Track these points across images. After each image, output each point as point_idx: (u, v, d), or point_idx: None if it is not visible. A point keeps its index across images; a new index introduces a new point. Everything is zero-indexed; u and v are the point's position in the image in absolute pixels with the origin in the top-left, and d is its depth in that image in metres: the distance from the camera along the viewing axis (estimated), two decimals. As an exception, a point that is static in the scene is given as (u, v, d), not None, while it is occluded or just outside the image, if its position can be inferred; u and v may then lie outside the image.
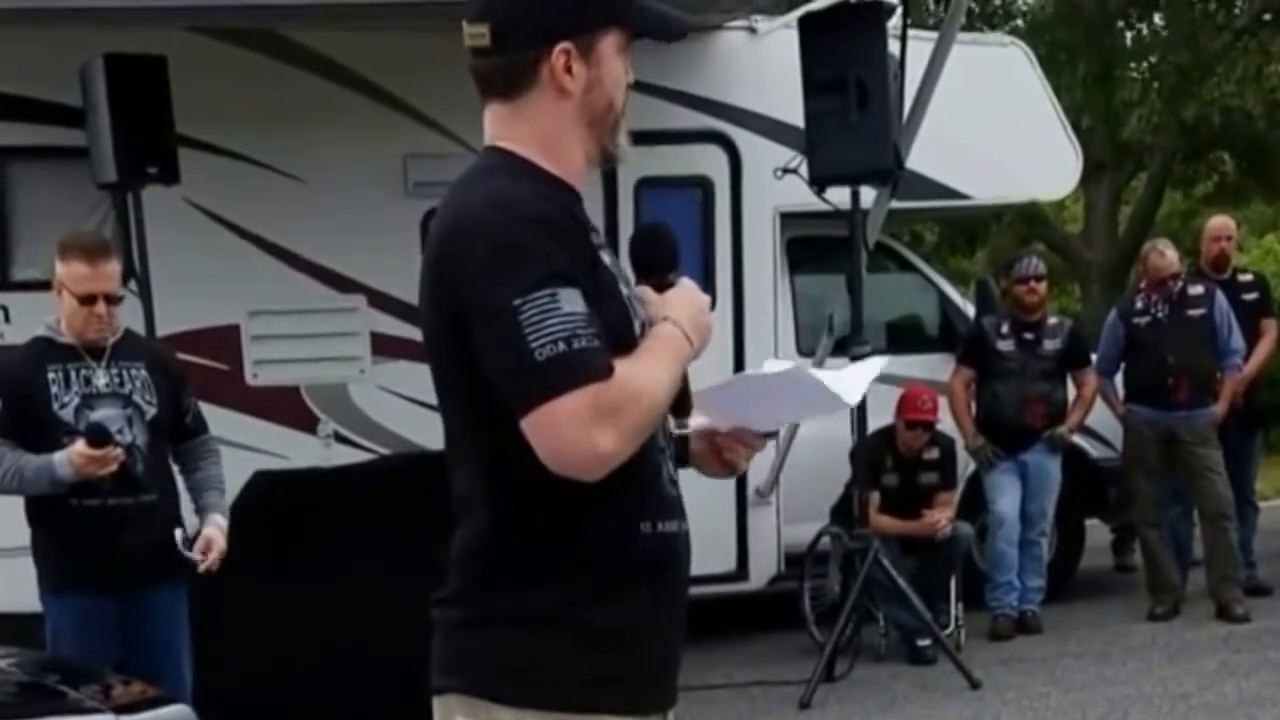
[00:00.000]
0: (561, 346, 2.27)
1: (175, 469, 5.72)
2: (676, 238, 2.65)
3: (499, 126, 2.54)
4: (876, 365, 2.94)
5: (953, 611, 8.90)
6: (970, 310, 10.25)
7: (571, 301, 2.30)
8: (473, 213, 2.40)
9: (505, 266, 2.32)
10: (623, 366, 2.34)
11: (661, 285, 2.56)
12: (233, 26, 8.14)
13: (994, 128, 9.74)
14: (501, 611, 2.44)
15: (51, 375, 5.33)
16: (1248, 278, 10.17)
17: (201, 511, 5.62)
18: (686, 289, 2.55)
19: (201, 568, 5.42)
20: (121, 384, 5.42)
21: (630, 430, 2.32)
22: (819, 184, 8.34)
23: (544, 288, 2.29)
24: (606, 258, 2.47)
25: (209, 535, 5.49)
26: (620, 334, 2.41)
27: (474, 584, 2.47)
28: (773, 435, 2.84)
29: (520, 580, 2.43)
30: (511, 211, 2.36)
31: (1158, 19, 20.59)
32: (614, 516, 2.44)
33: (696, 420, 2.76)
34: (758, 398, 2.77)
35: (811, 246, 9.78)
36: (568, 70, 2.47)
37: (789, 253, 9.66)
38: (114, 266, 5.44)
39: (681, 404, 2.58)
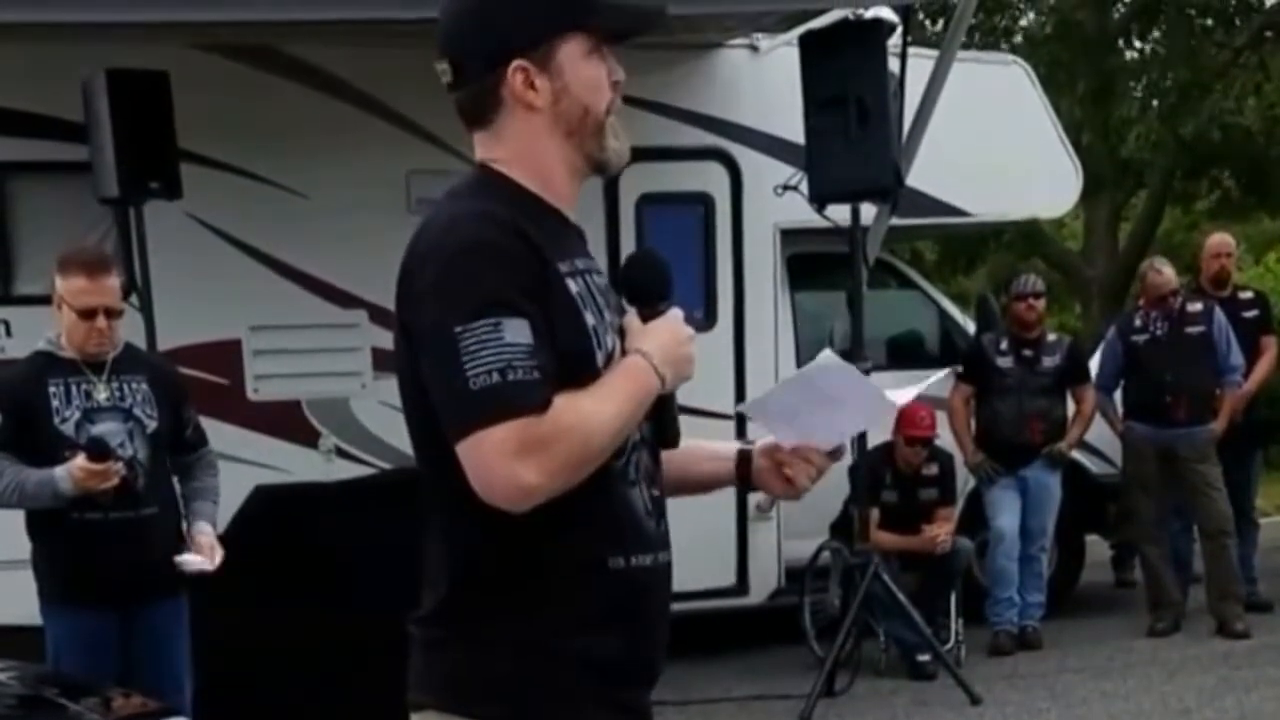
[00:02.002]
0: (495, 377, 2.26)
1: (174, 480, 5.73)
2: (668, 266, 2.57)
3: (483, 151, 2.54)
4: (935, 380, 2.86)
5: (953, 627, 8.90)
6: (970, 327, 10.27)
7: (515, 331, 2.28)
8: (428, 236, 2.39)
9: (449, 293, 2.31)
10: (563, 400, 2.31)
11: (650, 315, 2.50)
12: (235, 42, 8.17)
13: (994, 145, 9.75)
14: (473, 634, 2.43)
15: (53, 389, 5.33)
16: (1248, 295, 10.19)
17: (190, 517, 5.62)
18: (668, 321, 2.49)
19: (188, 561, 5.39)
20: (122, 398, 5.42)
21: (559, 465, 2.29)
22: (819, 201, 8.36)
23: (486, 316, 2.27)
24: (574, 285, 2.41)
25: (200, 542, 5.48)
26: (576, 362, 2.37)
27: (443, 606, 2.46)
28: (838, 455, 2.75)
29: (488, 607, 2.42)
30: (461, 236, 2.34)
31: (1157, 36, 20.63)
32: (575, 550, 2.42)
33: (761, 437, 2.75)
34: (816, 401, 2.68)
35: (812, 263, 9.78)
36: (530, 86, 2.45)
37: (789, 269, 9.68)
38: (114, 280, 5.44)
39: (667, 435, 2.57)
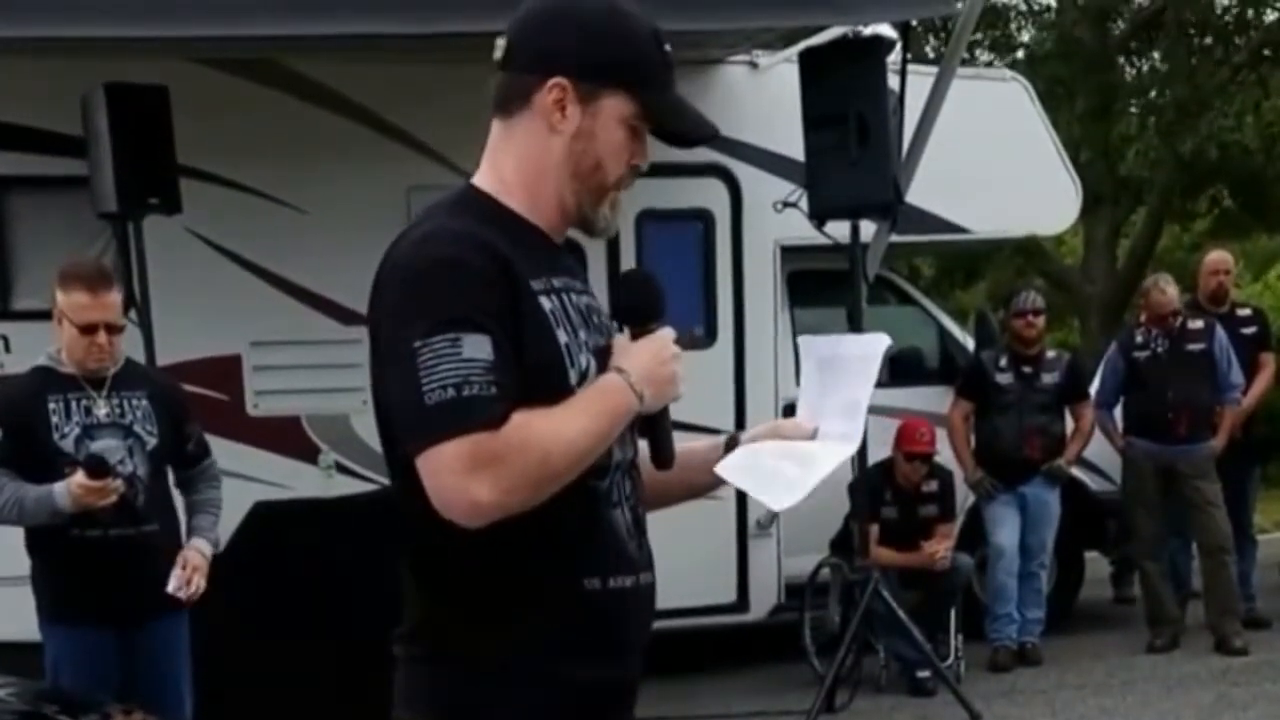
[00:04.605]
0: (450, 393, 2.25)
1: (177, 493, 5.71)
2: (659, 286, 2.56)
3: (491, 146, 2.53)
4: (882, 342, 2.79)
5: (952, 643, 8.89)
6: (970, 343, 10.27)
7: (474, 347, 2.27)
8: (401, 250, 2.39)
9: (411, 308, 2.31)
10: (522, 416, 2.28)
11: (641, 335, 2.49)
12: (235, 57, 8.17)
13: (993, 162, 9.76)
14: (450, 653, 2.43)
15: (52, 405, 5.32)
16: (1246, 312, 10.20)
17: (189, 533, 5.60)
18: (653, 340, 2.48)
19: (173, 588, 5.35)
20: (122, 414, 5.41)
21: (514, 482, 2.27)
22: (819, 217, 8.35)
23: (445, 332, 2.27)
24: (548, 302, 2.39)
25: (188, 557, 5.43)
26: (547, 378, 2.36)
27: (421, 623, 2.47)
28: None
29: (464, 626, 2.42)
30: (430, 252, 2.34)
31: (1156, 54, 20.67)
32: (550, 572, 2.41)
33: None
34: (826, 380, 2.74)
35: (812, 280, 9.78)
36: (560, 108, 2.44)
37: (789, 286, 9.68)
38: (114, 295, 5.43)
39: (661, 456, 2.55)
